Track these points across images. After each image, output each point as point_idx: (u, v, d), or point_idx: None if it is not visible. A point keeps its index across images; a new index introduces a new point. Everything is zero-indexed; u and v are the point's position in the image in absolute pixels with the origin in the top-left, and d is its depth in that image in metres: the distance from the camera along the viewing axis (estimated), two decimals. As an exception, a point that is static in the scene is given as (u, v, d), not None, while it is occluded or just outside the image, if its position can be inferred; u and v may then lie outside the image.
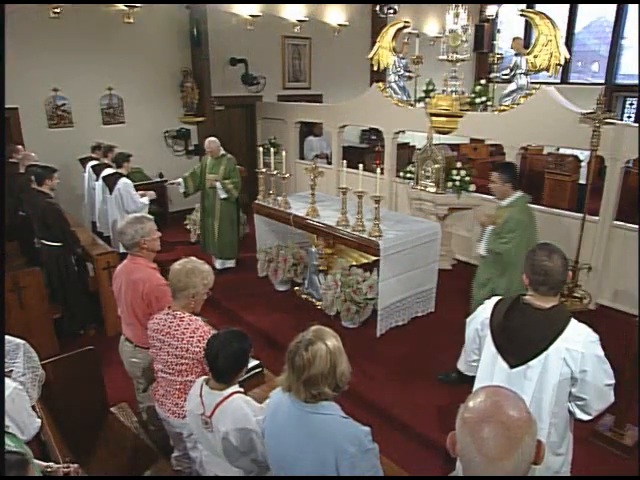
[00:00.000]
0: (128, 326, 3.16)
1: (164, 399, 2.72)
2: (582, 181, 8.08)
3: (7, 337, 2.45)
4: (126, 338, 3.20)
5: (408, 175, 6.50)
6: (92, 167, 6.17)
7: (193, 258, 2.70)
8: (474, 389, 2.37)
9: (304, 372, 1.76)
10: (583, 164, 8.13)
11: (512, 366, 2.17)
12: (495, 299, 2.33)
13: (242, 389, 2.27)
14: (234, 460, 2.18)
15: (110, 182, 5.62)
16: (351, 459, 1.74)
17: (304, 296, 5.51)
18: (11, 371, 2.36)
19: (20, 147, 5.95)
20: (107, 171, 5.80)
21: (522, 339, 2.15)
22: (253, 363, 3.04)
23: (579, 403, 2.13)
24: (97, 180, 5.99)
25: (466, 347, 2.46)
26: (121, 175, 5.59)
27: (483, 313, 2.33)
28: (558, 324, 2.10)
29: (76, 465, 2.14)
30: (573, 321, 2.12)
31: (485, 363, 2.29)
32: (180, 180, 6.10)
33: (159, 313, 2.70)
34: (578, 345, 2.05)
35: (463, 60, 5.94)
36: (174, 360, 2.58)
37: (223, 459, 2.21)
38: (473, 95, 6.14)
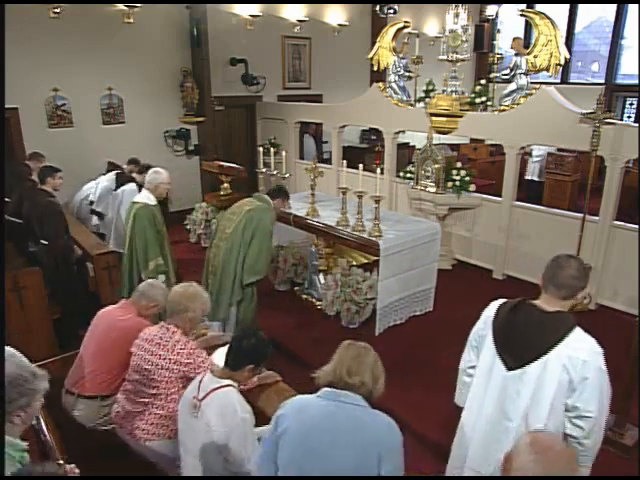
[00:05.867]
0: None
1: (123, 421, 2.69)
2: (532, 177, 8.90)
3: None
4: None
5: (408, 175, 6.50)
6: (117, 174, 6.00)
7: (194, 283, 2.74)
8: (470, 394, 2.38)
9: (359, 357, 1.94)
10: (536, 159, 8.80)
11: (510, 368, 2.14)
12: (502, 300, 2.31)
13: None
14: (210, 456, 2.21)
15: (121, 181, 5.63)
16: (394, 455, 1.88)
17: (304, 296, 5.51)
18: None
19: (44, 156, 5.80)
20: (130, 186, 5.65)
21: (522, 339, 2.13)
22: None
23: (571, 415, 2.06)
24: (115, 190, 5.85)
25: (467, 345, 2.45)
26: (134, 181, 5.59)
27: (487, 312, 2.32)
28: (560, 328, 2.06)
29: (72, 465, 2.13)
30: (578, 329, 2.07)
31: (483, 365, 2.28)
32: None
33: (153, 326, 2.72)
34: (582, 353, 2.00)
35: (463, 60, 5.94)
36: (154, 369, 2.56)
37: (199, 458, 2.24)
38: (473, 95, 6.14)
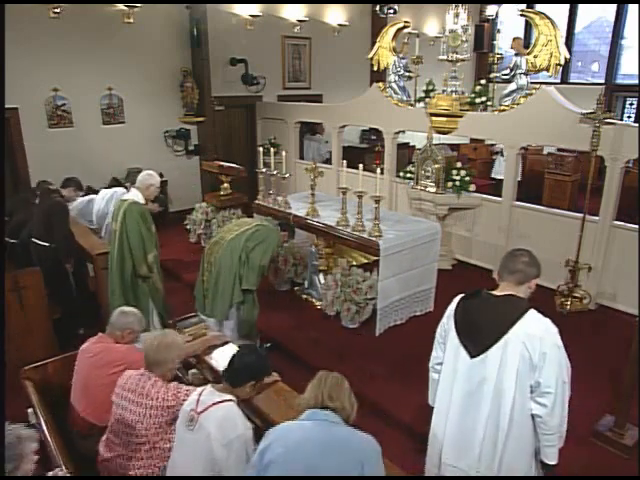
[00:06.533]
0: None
1: (107, 463, 2.63)
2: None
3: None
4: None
5: (408, 175, 6.50)
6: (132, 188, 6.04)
7: (167, 331, 2.78)
8: (439, 389, 2.42)
9: (338, 384, 2.11)
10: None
11: (473, 355, 2.21)
12: (462, 294, 2.39)
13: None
14: (205, 467, 2.19)
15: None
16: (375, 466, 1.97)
17: (304, 296, 5.51)
18: None
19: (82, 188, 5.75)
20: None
21: (480, 325, 2.21)
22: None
23: (534, 394, 2.13)
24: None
25: (434, 343, 2.51)
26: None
27: (450, 307, 2.40)
28: (514, 310, 2.16)
29: (57, 469, 2.11)
30: (533, 311, 2.17)
31: (448, 358, 2.34)
32: None
33: (133, 372, 2.65)
34: (538, 331, 2.10)
35: (463, 60, 5.94)
36: (140, 419, 2.50)
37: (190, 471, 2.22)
38: (473, 95, 6.14)
